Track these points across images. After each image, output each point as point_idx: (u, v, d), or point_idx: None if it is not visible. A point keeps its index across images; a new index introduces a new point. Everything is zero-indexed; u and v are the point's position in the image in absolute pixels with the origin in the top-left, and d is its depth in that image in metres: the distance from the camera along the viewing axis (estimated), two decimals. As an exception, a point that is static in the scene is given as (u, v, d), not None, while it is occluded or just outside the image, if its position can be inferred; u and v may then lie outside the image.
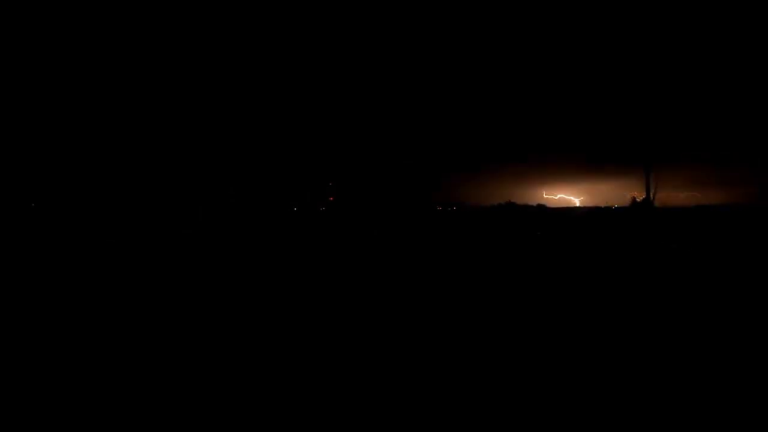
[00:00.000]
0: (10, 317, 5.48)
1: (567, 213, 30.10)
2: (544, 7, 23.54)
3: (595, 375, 3.65)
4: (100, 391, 3.40)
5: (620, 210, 27.14)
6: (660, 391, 3.35)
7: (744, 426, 2.89)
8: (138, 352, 4.23)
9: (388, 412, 3.10)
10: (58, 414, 3.09)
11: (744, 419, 2.97)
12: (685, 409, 3.07)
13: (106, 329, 4.93)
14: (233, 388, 3.46)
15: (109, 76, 23.34)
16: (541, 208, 31.29)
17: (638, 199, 25.65)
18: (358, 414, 3.09)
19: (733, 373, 3.67)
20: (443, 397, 3.32)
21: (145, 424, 2.95)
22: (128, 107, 24.19)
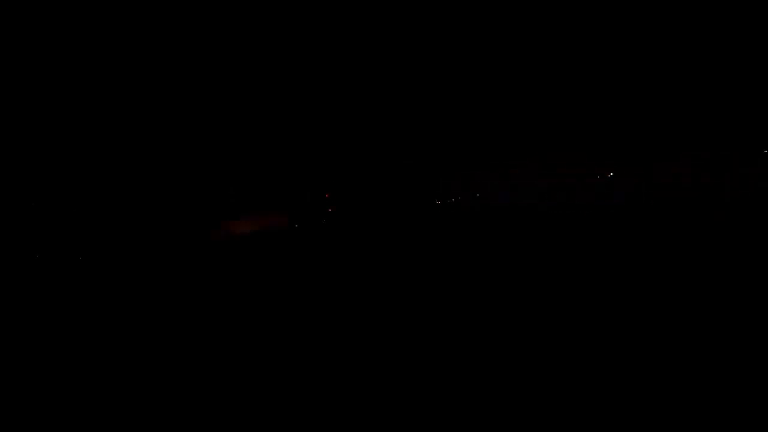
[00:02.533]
0: (11, 318, 5.48)
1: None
2: (546, 6, 23.62)
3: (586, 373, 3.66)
4: (102, 391, 3.40)
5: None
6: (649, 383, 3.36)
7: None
8: (138, 353, 4.23)
9: (389, 413, 3.10)
10: (59, 413, 3.09)
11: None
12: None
13: (107, 330, 4.93)
14: (234, 388, 3.46)
15: (109, 76, 23.40)
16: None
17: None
18: (359, 414, 3.09)
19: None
20: (444, 397, 3.32)
21: (145, 424, 2.95)
22: (127, 107, 24.25)
